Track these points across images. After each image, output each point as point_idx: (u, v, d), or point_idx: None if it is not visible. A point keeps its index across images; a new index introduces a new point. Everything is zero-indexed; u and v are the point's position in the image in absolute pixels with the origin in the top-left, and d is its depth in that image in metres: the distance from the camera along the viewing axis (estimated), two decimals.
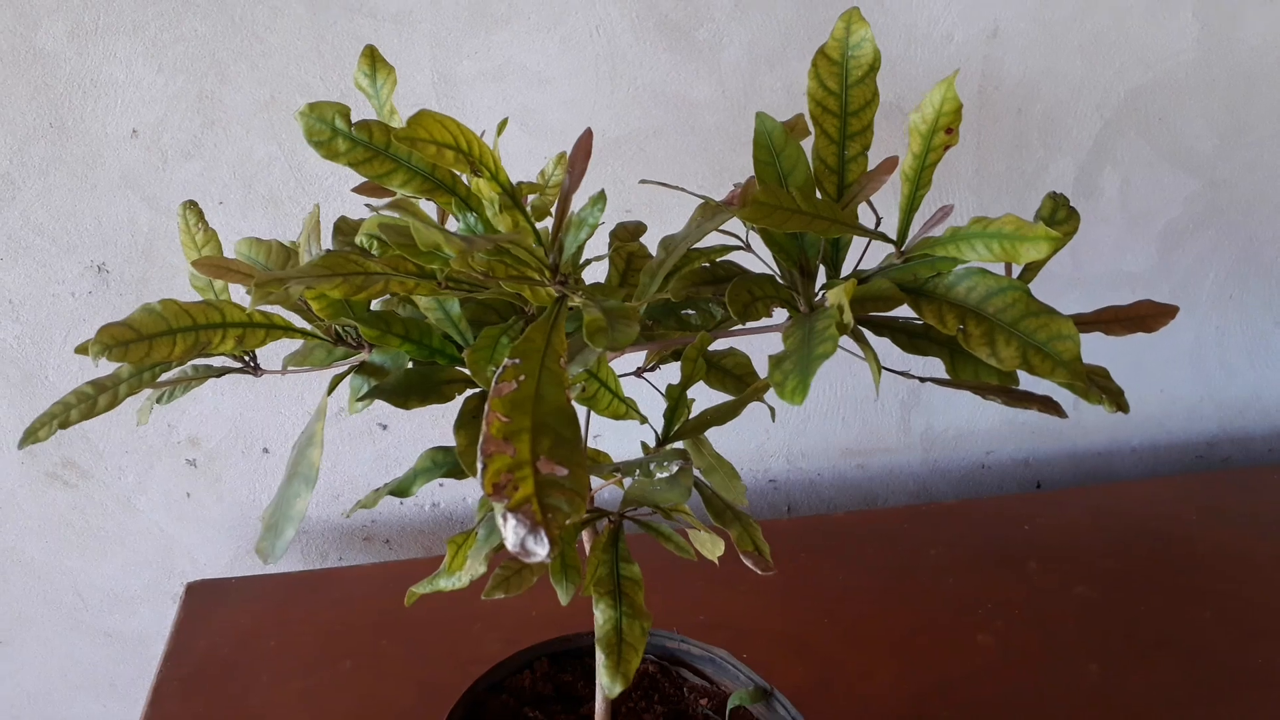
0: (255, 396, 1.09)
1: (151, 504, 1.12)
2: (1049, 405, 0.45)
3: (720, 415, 0.53)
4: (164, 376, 0.52)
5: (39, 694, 1.20)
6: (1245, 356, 1.31)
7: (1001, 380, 0.47)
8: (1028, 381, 0.55)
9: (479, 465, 0.36)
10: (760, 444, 1.23)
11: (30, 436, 0.48)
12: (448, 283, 0.43)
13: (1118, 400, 0.41)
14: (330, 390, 0.47)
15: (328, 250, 0.45)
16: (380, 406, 1.12)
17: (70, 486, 1.10)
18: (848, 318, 0.39)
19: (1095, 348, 1.20)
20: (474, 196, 0.46)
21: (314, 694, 0.92)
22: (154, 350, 0.44)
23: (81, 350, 0.47)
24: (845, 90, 0.47)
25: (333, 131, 0.45)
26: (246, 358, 0.53)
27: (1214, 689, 0.91)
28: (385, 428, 1.14)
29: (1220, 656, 0.95)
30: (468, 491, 1.20)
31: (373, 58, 0.61)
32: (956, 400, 1.26)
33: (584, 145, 0.41)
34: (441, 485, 1.18)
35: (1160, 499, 1.21)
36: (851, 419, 1.23)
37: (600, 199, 0.40)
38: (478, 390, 0.50)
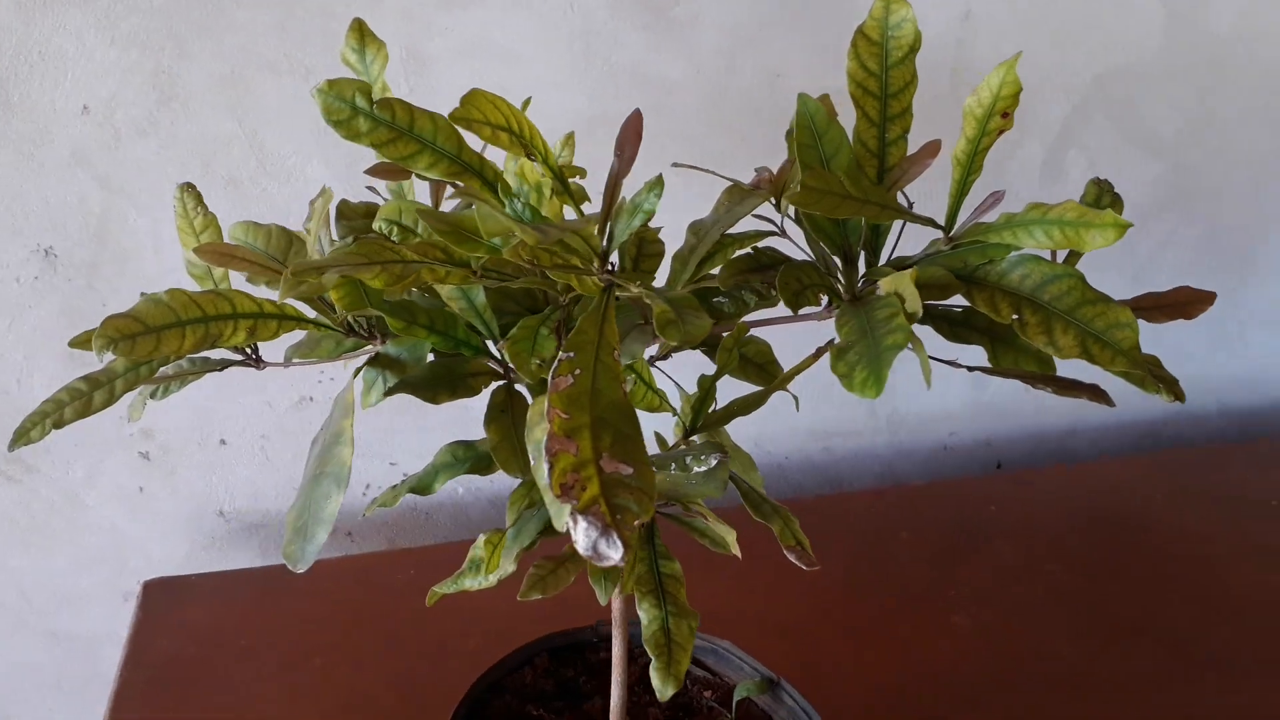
0: (212, 387, 1.04)
1: (102, 499, 1.07)
2: (1098, 394, 0.44)
3: (747, 406, 0.51)
4: (161, 371, 0.49)
5: None
6: (1200, 340, 1.34)
7: (1040, 368, 0.47)
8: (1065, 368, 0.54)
9: (544, 465, 0.34)
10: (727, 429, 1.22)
11: (22, 437, 0.44)
12: (483, 271, 0.40)
13: (1174, 389, 0.41)
14: (355, 375, 0.45)
15: (357, 236, 0.42)
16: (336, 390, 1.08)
17: (14, 482, 1.04)
18: (913, 306, 0.38)
19: None
20: (502, 180, 0.44)
21: (288, 692, 0.88)
22: (162, 343, 0.41)
23: (81, 343, 0.43)
24: (885, 71, 0.46)
25: (353, 110, 0.42)
26: (250, 350, 0.50)
27: (1183, 668, 0.92)
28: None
29: (1187, 634, 0.97)
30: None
31: (361, 32, 0.58)
32: (921, 381, 1.26)
33: (634, 126, 0.39)
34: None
35: (1119, 478, 1.23)
36: (820, 402, 1.22)
37: (657, 184, 0.38)
38: (503, 382, 0.48)
